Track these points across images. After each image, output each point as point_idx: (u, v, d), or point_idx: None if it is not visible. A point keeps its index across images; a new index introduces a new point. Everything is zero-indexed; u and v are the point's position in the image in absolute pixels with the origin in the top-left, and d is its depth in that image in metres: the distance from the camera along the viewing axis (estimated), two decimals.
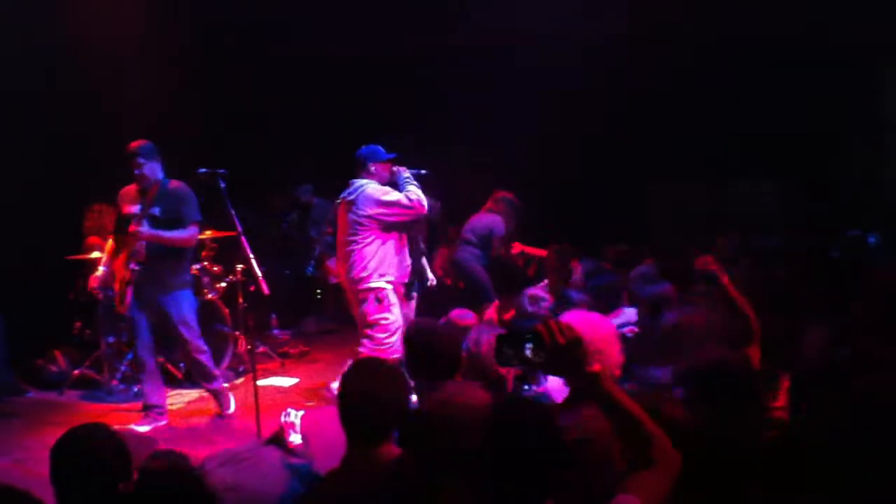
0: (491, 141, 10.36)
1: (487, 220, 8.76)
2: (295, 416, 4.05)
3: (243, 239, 5.52)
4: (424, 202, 6.44)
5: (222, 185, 5.55)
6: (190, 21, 9.67)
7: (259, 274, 5.46)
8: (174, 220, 6.30)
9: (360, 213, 6.39)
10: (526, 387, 4.07)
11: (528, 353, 2.43)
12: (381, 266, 6.43)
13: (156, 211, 6.30)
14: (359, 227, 6.42)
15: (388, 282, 6.47)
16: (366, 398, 3.03)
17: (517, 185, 9.09)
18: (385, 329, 6.39)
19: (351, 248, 6.46)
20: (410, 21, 10.36)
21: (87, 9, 8.56)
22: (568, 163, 10.88)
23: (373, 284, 6.42)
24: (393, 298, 6.49)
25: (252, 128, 10.71)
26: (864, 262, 7.24)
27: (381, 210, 6.38)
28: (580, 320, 3.48)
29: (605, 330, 3.54)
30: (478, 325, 4.59)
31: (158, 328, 6.53)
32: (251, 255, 5.51)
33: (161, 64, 8.92)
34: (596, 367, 2.42)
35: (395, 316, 6.46)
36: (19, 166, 8.01)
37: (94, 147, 8.34)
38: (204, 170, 5.60)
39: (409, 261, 6.72)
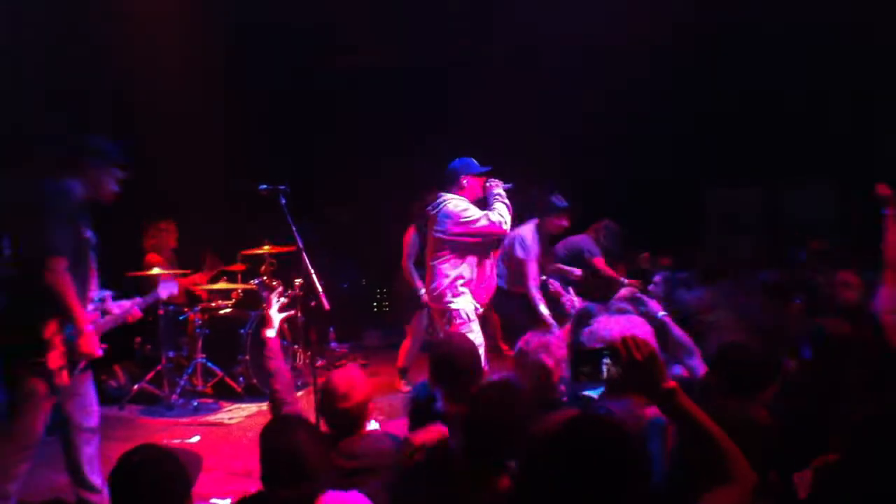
0: (544, 149, 10.25)
1: (582, 240, 8.55)
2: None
3: (304, 254, 5.46)
4: (507, 224, 6.07)
5: (283, 200, 5.49)
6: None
7: (319, 289, 5.41)
8: None
9: (439, 228, 6.11)
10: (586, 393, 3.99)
11: (604, 370, 2.45)
12: (455, 286, 6.10)
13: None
14: (437, 244, 6.14)
15: (465, 301, 6.11)
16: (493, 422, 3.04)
17: (569, 192, 8.96)
18: None
19: (432, 263, 6.19)
20: (459, 28, 10.39)
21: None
22: (620, 167, 10.66)
23: (452, 305, 6.08)
24: (471, 316, 6.10)
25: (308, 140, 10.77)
26: None
27: (457, 229, 6.04)
28: (622, 324, 3.52)
29: (642, 333, 3.46)
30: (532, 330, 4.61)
31: None
32: (311, 270, 5.45)
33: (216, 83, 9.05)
34: (671, 384, 2.37)
35: (473, 337, 5.86)
36: None
37: (155, 165, 8.42)
38: (265, 186, 5.53)
39: (492, 282, 6.37)
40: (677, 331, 4.56)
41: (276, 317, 4.60)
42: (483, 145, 9.36)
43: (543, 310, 7.29)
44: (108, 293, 4.85)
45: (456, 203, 6.09)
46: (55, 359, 4.34)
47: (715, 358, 3.57)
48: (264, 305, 7.10)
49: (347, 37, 10.68)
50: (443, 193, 6.21)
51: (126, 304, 4.92)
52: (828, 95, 9.84)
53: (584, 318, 4.83)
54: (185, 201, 8.57)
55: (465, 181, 6.17)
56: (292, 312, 5.56)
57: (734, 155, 10.52)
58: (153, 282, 7.73)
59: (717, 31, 10.04)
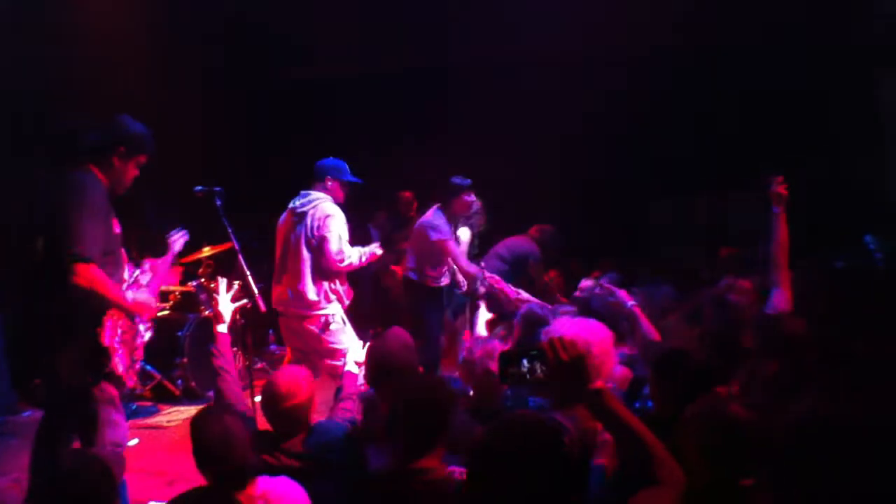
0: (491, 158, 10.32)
1: (527, 244, 8.27)
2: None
3: (240, 256, 5.46)
4: (347, 262, 5.92)
5: (218, 202, 5.44)
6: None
7: (255, 291, 5.40)
8: None
9: (312, 229, 5.93)
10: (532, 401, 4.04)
11: (530, 370, 2.43)
12: (328, 290, 5.99)
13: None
14: (308, 246, 5.97)
15: (337, 306, 6.05)
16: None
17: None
18: (342, 356, 5.43)
19: (298, 266, 6.00)
20: (432, 35, 10.49)
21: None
22: (567, 176, 10.71)
23: (327, 311, 6.00)
24: (346, 320, 6.07)
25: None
26: (870, 270, 7.19)
27: (313, 238, 5.93)
28: (576, 326, 3.50)
29: (602, 336, 3.49)
30: (473, 337, 4.64)
31: None
32: (248, 273, 5.45)
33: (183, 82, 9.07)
34: (599, 384, 2.38)
35: (348, 340, 5.89)
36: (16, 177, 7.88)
37: None
38: (200, 187, 5.48)
39: (348, 292, 6.20)
40: (645, 322, 4.61)
41: (228, 309, 4.40)
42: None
43: (482, 287, 6.76)
44: (139, 269, 4.64)
45: (332, 210, 5.96)
46: (120, 362, 4.21)
47: (654, 364, 3.50)
48: (203, 307, 7.10)
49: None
50: (310, 192, 6.06)
51: (155, 263, 4.73)
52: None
53: (534, 320, 4.90)
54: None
55: (329, 183, 6.04)
56: (246, 302, 5.38)
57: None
58: None
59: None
